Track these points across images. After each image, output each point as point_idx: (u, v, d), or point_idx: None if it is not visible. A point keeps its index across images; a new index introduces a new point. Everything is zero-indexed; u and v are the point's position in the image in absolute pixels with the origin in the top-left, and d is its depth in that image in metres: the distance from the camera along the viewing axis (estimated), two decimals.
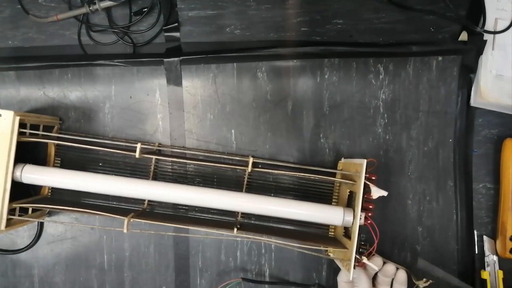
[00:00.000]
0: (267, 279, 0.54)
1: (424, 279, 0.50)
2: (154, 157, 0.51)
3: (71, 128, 0.54)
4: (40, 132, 0.48)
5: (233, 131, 0.53)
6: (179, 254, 0.54)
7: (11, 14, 0.54)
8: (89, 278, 0.55)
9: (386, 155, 0.53)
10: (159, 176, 0.53)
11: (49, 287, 0.55)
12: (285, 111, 0.53)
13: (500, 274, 0.52)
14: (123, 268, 0.54)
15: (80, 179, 0.46)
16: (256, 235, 0.48)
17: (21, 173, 0.45)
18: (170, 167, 0.53)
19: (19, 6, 0.53)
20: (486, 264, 0.52)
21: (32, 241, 0.54)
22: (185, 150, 0.54)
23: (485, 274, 0.52)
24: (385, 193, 0.44)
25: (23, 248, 0.54)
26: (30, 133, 0.46)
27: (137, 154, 0.45)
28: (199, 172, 0.53)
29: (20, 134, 0.44)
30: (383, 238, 0.52)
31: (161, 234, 0.53)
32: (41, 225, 0.54)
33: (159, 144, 0.54)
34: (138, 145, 0.46)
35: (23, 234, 0.55)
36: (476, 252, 0.53)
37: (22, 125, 0.45)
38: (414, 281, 0.50)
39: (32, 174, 0.45)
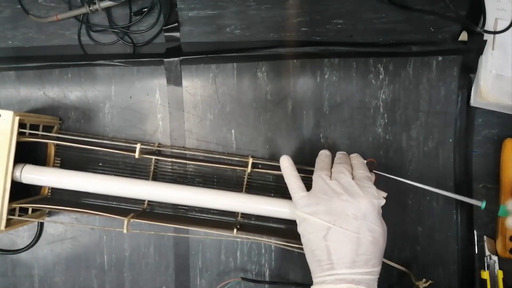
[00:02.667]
0: (267, 279, 0.53)
1: (424, 280, 0.49)
2: (153, 157, 0.51)
3: (71, 128, 0.53)
4: (40, 132, 0.48)
5: (233, 131, 0.53)
6: (179, 254, 0.54)
7: (11, 14, 0.53)
8: (89, 278, 0.54)
9: (386, 155, 0.52)
10: (159, 176, 0.53)
11: (49, 287, 0.55)
12: (285, 111, 0.53)
13: (500, 274, 0.51)
14: (123, 268, 0.54)
15: (80, 179, 0.46)
16: (256, 235, 0.48)
17: (21, 173, 0.45)
18: (170, 167, 0.53)
19: (19, 6, 0.53)
20: (486, 264, 0.52)
21: (32, 241, 0.54)
22: (185, 150, 0.53)
23: (485, 274, 0.51)
24: (384, 194, 0.44)
25: (23, 248, 0.53)
26: (29, 133, 0.46)
27: (136, 155, 0.45)
28: (199, 172, 0.53)
29: (20, 134, 0.44)
30: None
31: (161, 234, 0.53)
32: (41, 225, 0.54)
33: (159, 144, 0.53)
34: (138, 146, 0.45)
35: (23, 234, 0.54)
36: (476, 252, 0.52)
37: (21, 125, 0.45)
38: (414, 281, 0.50)
39: (32, 174, 0.45)
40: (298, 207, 0.41)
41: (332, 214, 0.39)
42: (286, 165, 0.44)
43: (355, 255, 0.37)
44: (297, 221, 0.42)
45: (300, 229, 0.41)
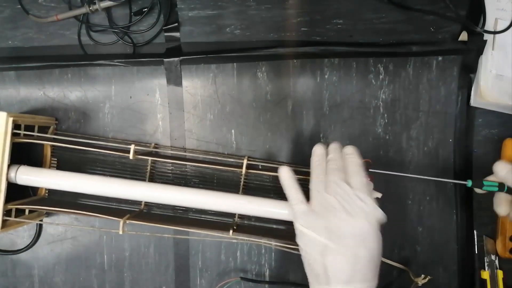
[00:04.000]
0: (267, 279, 0.50)
1: (423, 276, 0.46)
2: (150, 158, 0.47)
3: (71, 128, 0.50)
4: (35, 134, 0.44)
5: (233, 131, 0.50)
6: (179, 254, 0.50)
7: (11, 14, 0.50)
8: (89, 278, 0.51)
9: (386, 155, 0.49)
10: (157, 177, 0.49)
11: (49, 287, 0.51)
12: (285, 111, 0.49)
13: (500, 274, 0.48)
14: (123, 268, 0.50)
15: (75, 180, 0.42)
16: (255, 236, 0.45)
17: (16, 174, 0.41)
18: (167, 167, 0.49)
19: (19, 6, 0.49)
20: (486, 264, 0.48)
21: (32, 241, 0.50)
22: (182, 150, 0.50)
23: (485, 274, 0.48)
24: (379, 195, 0.40)
25: (22, 249, 0.50)
26: (24, 134, 0.42)
27: (131, 156, 0.41)
28: (197, 173, 0.49)
29: (14, 135, 0.40)
30: (383, 238, 0.48)
31: (159, 236, 0.49)
32: (40, 226, 0.50)
33: (155, 144, 0.50)
34: (132, 147, 0.41)
35: (23, 234, 0.51)
36: (476, 252, 0.49)
37: (17, 126, 0.41)
38: (412, 278, 0.47)
39: (27, 176, 0.41)
40: (297, 220, 0.38)
41: (330, 232, 0.35)
42: (286, 177, 0.40)
43: (352, 272, 0.34)
44: (296, 233, 0.39)
45: (298, 241, 0.38)
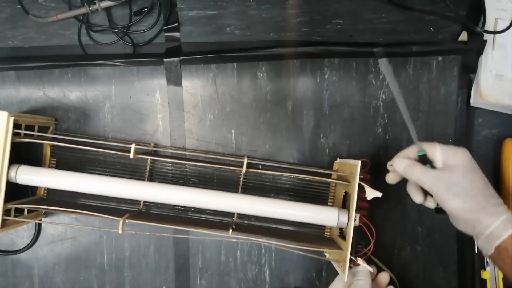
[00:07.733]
0: (267, 279, 0.49)
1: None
2: (149, 157, 0.47)
3: (71, 128, 0.49)
4: (35, 133, 0.43)
5: (233, 131, 0.49)
6: (179, 254, 0.50)
7: (11, 14, 0.49)
8: (89, 278, 0.50)
9: (386, 155, 0.48)
10: (156, 176, 0.48)
11: (49, 287, 0.51)
12: (285, 111, 0.49)
13: (500, 274, 0.47)
14: (123, 268, 0.50)
15: (74, 179, 0.41)
16: (252, 236, 0.44)
17: (16, 174, 0.40)
18: (166, 167, 0.48)
19: (19, 6, 0.48)
20: (486, 264, 0.48)
21: (31, 241, 0.49)
22: (180, 150, 0.49)
23: (485, 274, 0.48)
24: (379, 194, 0.40)
25: (22, 249, 0.49)
26: (24, 134, 0.42)
27: (131, 155, 0.41)
28: (197, 173, 0.49)
29: (15, 134, 0.40)
30: (383, 238, 0.48)
31: (158, 235, 0.49)
32: (39, 226, 0.50)
33: (155, 144, 0.49)
34: (133, 146, 0.41)
35: (23, 234, 0.50)
36: (476, 252, 0.48)
37: (17, 125, 0.40)
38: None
39: (27, 175, 0.41)
40: None
41: None
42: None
43: None
44: None
45: None
